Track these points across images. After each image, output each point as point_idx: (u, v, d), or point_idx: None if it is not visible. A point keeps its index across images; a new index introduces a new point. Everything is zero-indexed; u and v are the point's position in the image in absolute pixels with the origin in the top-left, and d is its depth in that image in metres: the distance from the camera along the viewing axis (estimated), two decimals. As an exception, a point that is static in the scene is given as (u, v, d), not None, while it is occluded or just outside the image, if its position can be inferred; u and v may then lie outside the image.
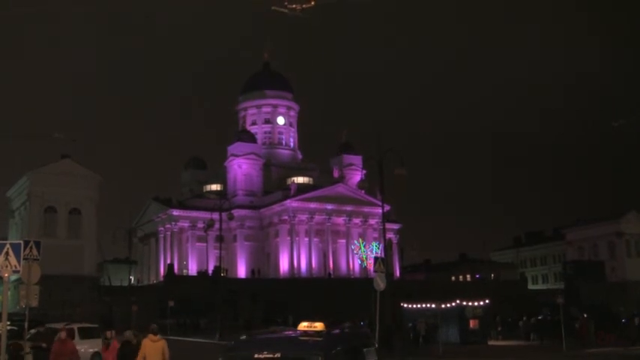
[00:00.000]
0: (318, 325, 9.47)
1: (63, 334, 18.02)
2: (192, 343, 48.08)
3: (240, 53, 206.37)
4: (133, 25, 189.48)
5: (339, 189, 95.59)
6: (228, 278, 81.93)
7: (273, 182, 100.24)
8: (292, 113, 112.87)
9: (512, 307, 63.88)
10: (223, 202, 65.33)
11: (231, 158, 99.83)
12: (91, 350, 26.29)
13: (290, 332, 9.75)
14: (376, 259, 27.21)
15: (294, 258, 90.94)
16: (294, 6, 25.45)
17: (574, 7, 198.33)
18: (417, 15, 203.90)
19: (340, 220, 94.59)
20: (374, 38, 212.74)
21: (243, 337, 9.51)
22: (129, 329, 19.15)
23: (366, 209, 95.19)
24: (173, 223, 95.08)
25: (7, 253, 15.43)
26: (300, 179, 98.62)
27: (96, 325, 31.44)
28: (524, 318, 49.98)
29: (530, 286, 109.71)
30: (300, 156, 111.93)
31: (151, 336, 15.95)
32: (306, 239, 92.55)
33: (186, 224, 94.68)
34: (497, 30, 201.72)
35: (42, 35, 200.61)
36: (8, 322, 18.77)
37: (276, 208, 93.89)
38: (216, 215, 57.99)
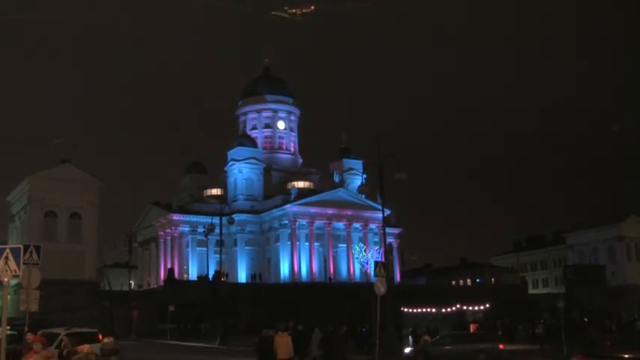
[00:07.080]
0: None
1: (37, 346, 14.59)
2: (193, 348, 48.03)
3: (240, 57, 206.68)
4: (134, 31, 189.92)
5: (340, 193, 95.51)
6: (228, 283, 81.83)
7: (274, 187, 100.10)
8: (293, 118, 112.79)
9: (513, 312, 63.78)
10: (224, 206, 65.21)
11: (231, 163, 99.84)
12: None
13: None
14: (376, 263, 27.06)
15: (294, 262, 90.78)
16: (294, 11, 25.52)
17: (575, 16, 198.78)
18: (418, 23, 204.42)
19: (341, 224, 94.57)
20: (374, 45, 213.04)
21: None
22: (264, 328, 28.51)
23: (367, 214, 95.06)
24: (173, 227, 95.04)
25: (6, 258, 15.33)
26: (301, 184, 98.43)
27: (96, 330, 31.40)
28: (520, 327, 49.82)
29: (531, 291, 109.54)
30: (300, 160, 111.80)
31: (280, 332, 21.73)
32: (307, 244, 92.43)
33: (186, 229, 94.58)
34: (502, 34, 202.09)
35: (42, 40, 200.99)
36: (8, 327, 18.65)
37: (277, 212, 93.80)
38: (216, 220, 57.93)
